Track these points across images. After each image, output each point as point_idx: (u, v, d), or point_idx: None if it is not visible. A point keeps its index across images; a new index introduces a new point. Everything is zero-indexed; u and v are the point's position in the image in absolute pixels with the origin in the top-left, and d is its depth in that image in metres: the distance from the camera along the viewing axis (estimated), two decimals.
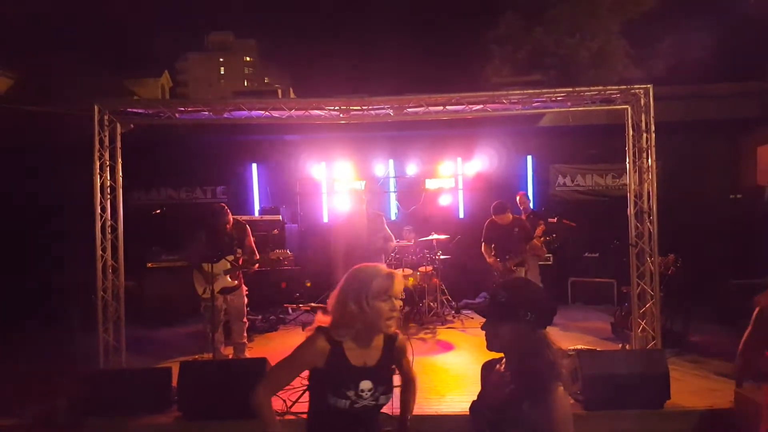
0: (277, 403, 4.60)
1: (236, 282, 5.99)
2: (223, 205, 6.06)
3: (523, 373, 1.90)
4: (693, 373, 5.35)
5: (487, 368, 2.15)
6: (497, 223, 7.16)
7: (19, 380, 5.50)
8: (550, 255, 8.40)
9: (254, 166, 10.22)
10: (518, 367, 1.94)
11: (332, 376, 2.19)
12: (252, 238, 6.19)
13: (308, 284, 8.47)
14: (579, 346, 5.99)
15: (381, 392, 2.25)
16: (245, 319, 6.18)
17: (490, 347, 2.03)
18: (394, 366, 2.39)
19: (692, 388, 4.91)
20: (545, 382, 1.85)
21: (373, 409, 2.25)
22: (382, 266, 2.30)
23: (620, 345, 6.23)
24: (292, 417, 4.44)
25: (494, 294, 2.03)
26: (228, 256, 5.81)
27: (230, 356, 6.04)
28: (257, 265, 6.13)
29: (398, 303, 2.24)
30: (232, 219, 6.03)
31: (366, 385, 2.21)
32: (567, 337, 6.91)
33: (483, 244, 7.25)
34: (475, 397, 2.16)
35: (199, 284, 5.88)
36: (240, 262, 5.94)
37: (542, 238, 7.22)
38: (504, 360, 2.05)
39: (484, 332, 2.03)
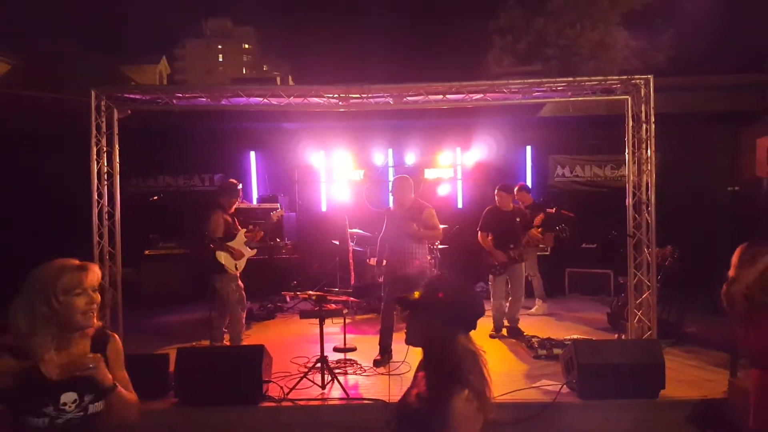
0: (274, 390, 4.63)
1: (255, 251, 6.23)
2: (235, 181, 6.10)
3: (431, 374, 1.83)
4: (688, 364, 5.37)
5: (419, 369, 2.04)
6: (500, 211, 6.90)
7: None
8: (545, 245, 8.37)
9: (252, 153, 10.19)
10: (427, 366, 1.87)
11: (25, 395, 1.93)
12: None
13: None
14: (575, 336, 6.03)
15: (90, 401, 2.02)
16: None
17: (408, 341, 1.94)
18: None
19: (687, 378, 4.94)
20: (448, 385, 1.75)
21: (82, 421, 2.01)
22: (72, 260, 2.08)
23: (616, 335, 6.26)
24: (289, 404, 4.47)
25: (424, 288, 1.94)
26: (240, 231, 6.02)
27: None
28: (275, 215, 6.59)
29: (96, 296, 2.06)
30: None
31: (69, 397, 1.98)
32: (563, 327, 6.96)
33: (480, 232, 7.02)
34: None
35: (228, 262, 5.76)
36: (249, 232, 6.15)
37: (540, 229, 7.20)
38: None
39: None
